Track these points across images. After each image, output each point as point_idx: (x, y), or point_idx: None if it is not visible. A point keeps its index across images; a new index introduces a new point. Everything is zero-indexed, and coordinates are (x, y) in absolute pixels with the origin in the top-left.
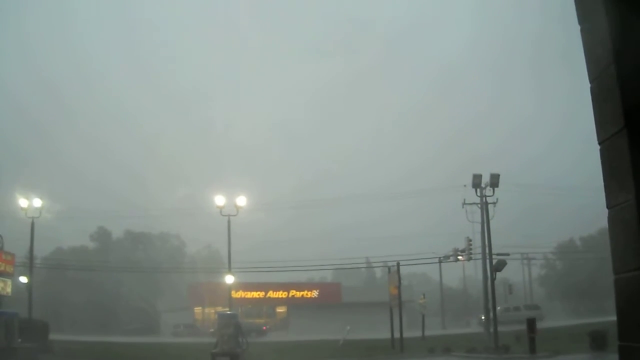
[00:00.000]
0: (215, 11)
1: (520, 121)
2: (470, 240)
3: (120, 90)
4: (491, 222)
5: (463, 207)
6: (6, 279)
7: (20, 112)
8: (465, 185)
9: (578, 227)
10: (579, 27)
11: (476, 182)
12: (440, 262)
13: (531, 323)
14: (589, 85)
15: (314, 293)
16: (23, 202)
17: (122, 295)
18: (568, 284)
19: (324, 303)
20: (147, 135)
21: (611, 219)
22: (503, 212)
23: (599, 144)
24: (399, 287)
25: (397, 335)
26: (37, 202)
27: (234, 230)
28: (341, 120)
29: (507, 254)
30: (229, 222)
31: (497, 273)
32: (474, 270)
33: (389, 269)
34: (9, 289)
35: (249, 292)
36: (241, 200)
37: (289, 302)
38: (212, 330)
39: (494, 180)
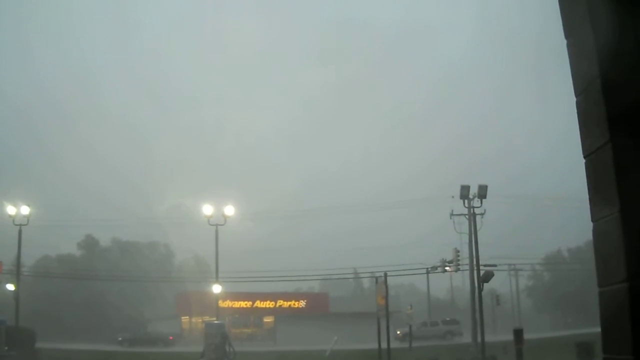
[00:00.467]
0: (209, 15)
1: (513, 134)
2: (458, 251)
3: (114, 95)
4: (479, 233)
5: (451, 218)
6: None
7: (12, 114)
8: (453, 197)
9: (566, 238)
10: (564, 42)
11: (464, 193)
12: (428, 272)
13: (518, 334)
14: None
15: (302, 303)
16: (11, 210)
17: (109, 304)
18: (555, 295)
19: (311, 313)
20: (141, 141)
21: (596, 232)
22: (493, 223)
23: (584, 157)
24: (386, 297)
25: (384, 345)
26: (25, 210)
27: (222, 240)
28: (332, 128)
29: (495, 265)
30: (216, 231)
31: (485, 284)
32: (462, 281)
33: (377, 279)
34: None
35: (236, 302)
36: (229, 210)
37: (276, 312)
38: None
39: (482, 192)
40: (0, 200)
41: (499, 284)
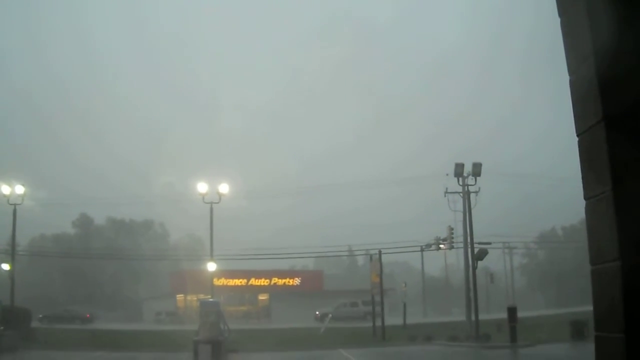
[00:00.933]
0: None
1: (511, 112)
2: (452, 229)
3: (110, 71)
4: (474, 211)
5: (445, 196)
6: None
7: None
8: (447, 174)
9: (560, 217)
10: (559, 20)
11: (458, 171)
12: (422, 250)
13: (512, 312)
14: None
15: (296, 281)
16: (5, 189)
17: (104, 282)
18: (549, 273)
19: (305, 291)
20: (136, 119)
21: (588, 211)
22: (488, 202)
23: (577, 135)
24: (380, 275)
25: (378, 323)
26: (20, 189)
27: (217, 218)
28: (327, 108)
29: (489, 243)
30: (211, 209)
31: (479, 262)
32: (456, 259)
33: (371, 257)
34: None
35: (231, 280)
36: (224, 188)
37: (271, 289)
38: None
39: (476, 170)
40: None
41: (493, 262)
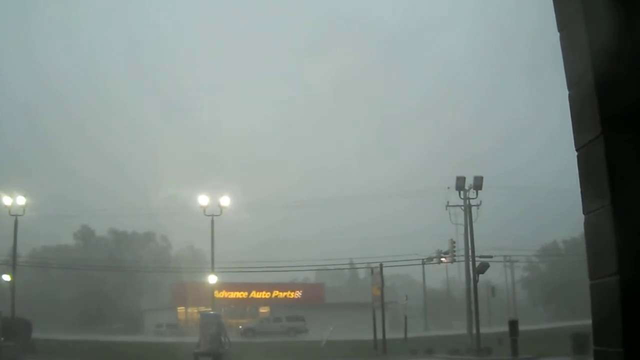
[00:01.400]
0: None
1: (513, 124)
2: (454, 242)
3: (111, 85)
4: (475, 224)
5: (447, 210)
6: None
7: (9, 104)
8: (448, 188)
9: (561, 230)
10: (557, 34)
11: (459, 184)
12: (423, 263)
13: (513, 325)
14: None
15: (297, 294)
16: (7, 200)
17: (106, 294)
18: (551, 286)
19: (306, 304)
20: (137, 131)
21: (587, 225)
22: (489, 215)
23: (576, 150)
24: (381, 288)
25: (379, 336)
26: (21, 200)
27: (218, 231)
28: (330, 120)
29: (490, 257)
30: (212, 222)
31: (480, 275)
32: (457, 272)
33: (372, 270)
34: None
35: (232, 292)
36: (225, 200)
37: (272, 302)
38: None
39: (478, 183)
40: None
41: (494, 275)
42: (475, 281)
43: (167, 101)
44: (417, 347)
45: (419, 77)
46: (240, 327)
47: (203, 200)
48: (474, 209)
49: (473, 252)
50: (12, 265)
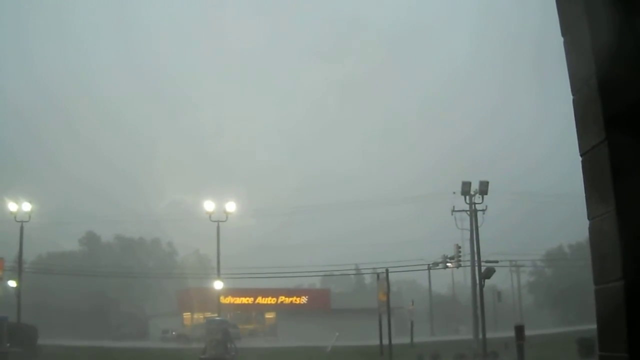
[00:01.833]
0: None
1: (519, 130)
2: (459, 248)
3: (115, 92)
4: (481, 229)
5: (452, 215)
6: None
7: (13, 113)
8: (454, 193)
9: (567, 235)
10: (561, 40)
11: (465, 189)
12: (429, 269)
13: (519, 330)
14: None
15: (303, 299)
16: (12, 206)
17: (111, 300)
18: (557, 291)
19: (312, 309)
20: (142, 138)
21: (592, 230)
22: (494, 220)
23: (581, 155)
24: (387, 293)
25: (385, 341)
26: (27, 206)
27: (224, 236)
28: (335, 127)
29: (496, 262)
30: (218, 227)
31: (486, 280)
32: (463, 277)
33: (378, 275)
34: None
35: (238, 298)
36: (230, 206)
37: (277, 308)
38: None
39: (483, 188)
40: (2, 197)
41: (500, 280)
42: (481, 286)
43: (170, 107)
44: (424, 352)
45: (424, 84)
46: (174, 333)
47: (209, 206)
48: (479, 213)
49: (479, 257)
50: (18, 271)
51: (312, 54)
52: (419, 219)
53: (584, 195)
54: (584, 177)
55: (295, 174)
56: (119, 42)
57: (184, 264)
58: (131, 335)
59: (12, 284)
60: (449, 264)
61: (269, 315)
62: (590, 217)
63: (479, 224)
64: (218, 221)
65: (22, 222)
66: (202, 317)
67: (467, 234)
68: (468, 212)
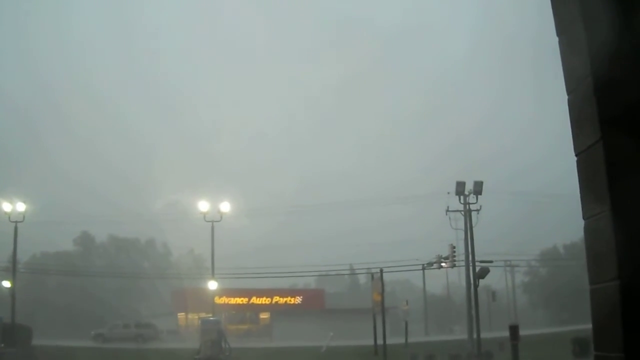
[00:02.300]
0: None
1: (514, 130)
2: (454, 247)
3: (110, 91)
4: (475, 229)
5: (447, 215)
6: None
7: (8, 111)
8: (448, 193)
9: (562, 235)
10: (556, 39)
11: (459, 189)
12: (423, 269)
13: (514, 330)
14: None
15: (297, 299)
16: (6, 207)
17: (106, 301)
18: (551, 291)
19: (307, 309)
20: (137, 137)
21: (587, 230)
22: (489, 220)
23: (576, 155)
24: (382, 293)
25: (380, 341)
26: (21, 207)
27: (219, 237)
28: (329, 126)
29: (490, 262)
30: (212, 228)
31: (480, 280)
32: (458, 277)
33: (373, 275)
34: None
35: (232, 298)
36: (225, 207)
37: (272, 308)
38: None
39: (477, 188)
40: None
41: (495, 280)
42: (476, 286)
43: (166, 107)
44: (418, 352)
45: (420, 84)
46: (92, 332)
47: (203, 206)
48: (474, 213)
49: (473, 256)
50: (12, 271)
51: (311, 53)
52: (414, 219)
53: (578, 195)
54: (579, 176)
55: (291, 174)
56: (115, 39)
57: (179, 264)
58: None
59: (6, 284)
60: (443, 264)
61: (264, 316)
62: (585, 216)
63: (473, 224)
64: (212, 221)
65: (16, 222)
66: (196, 317)
67: (462, 234)
68: (462, 212)
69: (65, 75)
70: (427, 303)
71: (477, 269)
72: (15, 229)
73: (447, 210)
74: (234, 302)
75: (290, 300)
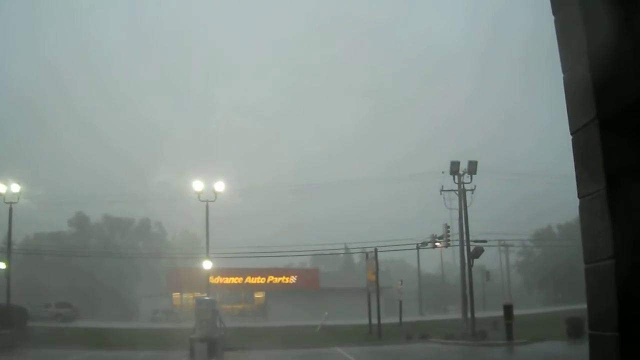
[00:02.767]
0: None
1: (508, 111)
2: (448, 227)
3: (107, 69)
4: (470, 209)
5: (441, 194)
6: None
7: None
8: (443, 172)
9: (556, 215)
10: (552, 18)
11: (454, 169)
12: (418, 248)
13: (508, 310)
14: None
15: (292, 279)
16: (1, 188)
17: (101, 281)
18: (545, 271)
19: (301, 289)
20: (132, 117)
21: (582, 209)
22: (485, 200)
23: (571, 134)
24: (376, 273)
25: (374, 321)
26: (16, 187)
27: (213, 216)
28: (325, 107)
29: (485, 241)
30: (207, 207)
31: (475, 260)
32: (452, 257)
33: (367, 255)
34: None
35: (227, 278)
36: (219, 186)
37: (267, 287)
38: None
39: (472, 168)
40: None
41: (489, 260)
42: (470, 265)
43: (162, 86)
44: (412, 331)
45: (414, 65)
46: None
47: (197, 186)
48: (468, 193)
49: (467, 236)
50: (6, 253)
51: (306, 36)
52: (408, 198)
53: (573, 175)
54: (574, 155)
55: (286, 154)
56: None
57: (174, 244)
58: (121, 315)
59: (1, 265)
60: (437, 244)
61: (258, 295)
62: (580, 195)
63: (467, 204)
64: (207, 201)
65: (10, 203)
66: (191, 297)
67: (456, 214)
68: (457, 192)
69: (61, 54)
70: (422, 283)
71: (472, 248)
72: (10, 210)
73: (442, 190)
74: (229, 282)
75: (285, 280)
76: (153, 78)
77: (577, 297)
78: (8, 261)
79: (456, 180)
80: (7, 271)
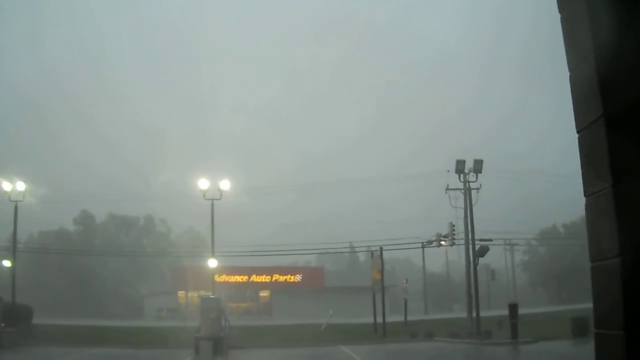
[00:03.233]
0: None
1: (513, 109)
2: (453, 226)
3: (111, 69)
4: (475, 208)
5: (446, 193)
6: None
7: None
8: (448, 171)
9: (561, 214)
10: (559, 15)
11: (459, 167)
12: (423, 247)
13: (513, 309)
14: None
15: (297, 277)
16: (6, 186)
17: (106, 279)
18: (550, 270)
19: (307, 287)
20: (137, 116)
21: (588, 207)
22: (491, 199)
23: (577, 132)
24: (381, 272)
25: (379, 319)
26: (21, 186)
27: (218, 215)
28: (329, 106)
29: (490, 240)
30: (212, 206)
31: (480, 259)
32: (457, 256)
33: (372, 253)
34: None
35: (232, 276)
36: (225, 184)
37: (272, 286)
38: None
39: (477, 166)
40: None
41: (494, 259)
42: (475, 264)
43: (166, 87)
44: (417, 330)
45: (417, 63)
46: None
47: (203, 184)
48: (473, 192)
49: (473, 235)
50: (12, 251)
51: (308, 36)
52: (414, 197)
53: (579, 174)
54: (580, 153)
55: (292, 153)
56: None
57: (179, 242)
58: (126, 313)
59: (6, 263)
60: (442, 242)
61: (264, 294)
62: (586, 193)
63: (473, 203)
64: (212, 199)
65: (16, 201)
66: (196, 295)
67: (461, 213)
68: (462, 191)
69: (65, 54)
70: (427, 281)
71: (477, 247)
72: (16, 208)
73: (447, 189)
74: (234, 280)
75: (290, 278)
76: (156, 78)
77: (582, 296)
78: (13, 260)
79: (461, 179)
80: (12, 270)
